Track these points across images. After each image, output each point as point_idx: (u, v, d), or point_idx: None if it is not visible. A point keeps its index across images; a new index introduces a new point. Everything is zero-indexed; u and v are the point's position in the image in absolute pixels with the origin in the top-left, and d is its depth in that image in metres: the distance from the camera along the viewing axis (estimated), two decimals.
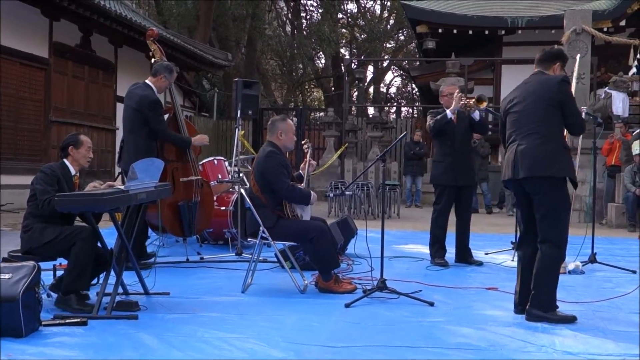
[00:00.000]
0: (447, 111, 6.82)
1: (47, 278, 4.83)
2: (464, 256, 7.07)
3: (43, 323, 4.10)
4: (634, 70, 13.91)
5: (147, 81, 6.49)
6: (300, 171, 5.94)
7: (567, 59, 4.83)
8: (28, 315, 3.90)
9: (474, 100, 6.88)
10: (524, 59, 16.99)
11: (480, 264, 7.03)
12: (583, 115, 5.25)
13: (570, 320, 4.44)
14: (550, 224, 4.52)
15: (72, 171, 5.00)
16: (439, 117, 6.87)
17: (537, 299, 4.50)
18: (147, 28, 9.98)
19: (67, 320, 4.21)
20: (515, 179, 4.63)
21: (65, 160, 5.01)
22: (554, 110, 4.57)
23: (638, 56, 13.60)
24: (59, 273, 4.90)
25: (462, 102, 6.82)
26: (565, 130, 4.80)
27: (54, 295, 4.75)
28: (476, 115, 6.96)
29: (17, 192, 11.33)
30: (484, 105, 6.85)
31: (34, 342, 3.80)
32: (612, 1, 17.42)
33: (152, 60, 6.95)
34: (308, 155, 6.08)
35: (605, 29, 16.29)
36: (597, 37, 13.81)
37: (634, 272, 6.53)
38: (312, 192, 5.63)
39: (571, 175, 4.60)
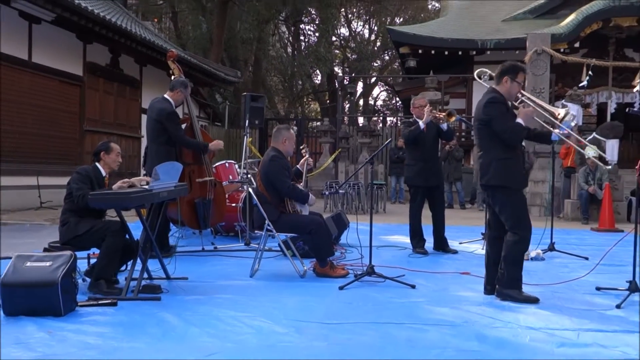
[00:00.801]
0: (420, 123, 6.84)
1: (82, 265, 4.83)
2: (441, 245, 7.08)
3: (79, 304, 4.11)
4: (584, 84, 13.96)
5: (165, 95, 6.48)
6: (298, 167, 5.95)
7: (517, 70, 4.66)
8: (66, 297, 3.91)
9: (444, 114, 6.93)
10: (492, 76, 17.03)
11: (455, 252, 7.04)
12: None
13: (534, 300, 4.45)
14: (506, 218, 4.56)
15: (103, 173, 5.00)
16: (413, 127, 6.89)
17: (503, 278, 4.53)
18: (167, 49, 9.99)
19: (100, 302, 4.22)
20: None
21: (97, 163, 5.02)
22: (485, 128, 4.60)
23: (590, 72, 13.65)
24: (92, 261, 4.90)
25: (432, 115, 6.87)
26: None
27: (88, 279, 4.75)
28: (444, 126, 7.00)
29: (56, 191, 11.30)
30: (453, 119, 6.90)
31: (71, 320, 3.82)
32: (568, 26, 17.47)
33: (172, 77, 6.95)
34: (306, 155, 6.10)
35: (562, 50, 16.35)
36: (555, 57, 13.87)
37: (587, 258, 6.55)
38: (310, 194, 5.64)
39: (500, 183, 4.52)
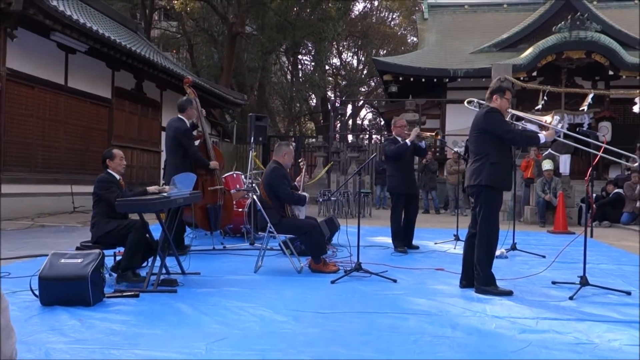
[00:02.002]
0: (407, 141, 6.86)
1: (109, 262, 4.79)
2: (408, 241, 7.10)
3: (106, 295, 4.08)
4: (539, 107, 14.02)
5: (179, 116, 6.45)
6: (296, 182, 5.94)
7: (504, 89, 4.63)
8: (95, 289, 3.89)
9: (433, 133, 7.03)
10: (462, 100, 17.13)
11: (417, 247, 7.09)
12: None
13: (508, 293, 4.42)
14: (481, 220, 4.52)
15: (117, 177, 4.97)
16: (400, 144, 6.90)
17: (479, 278, 4.50)
18: (184, 76, 10.00)
19: (124, 293, 4.19)
20: (466, 185, 4.71)
21: (108, 170, 5.00)
22: (482, 135, 4.54)
23: (545, 97, 13.70)
24: (118, 258, 4.87)
25: (417, 135, 6.90)
26: None
27: (114, 274, 4.72)
28: (422, 144, 7.05)
29: (88, 197, 11.19)
30: (439, 137, 7.02)
31: (99, 309, 3.79)
32: (527, 58, 17.58)
33: None
34: (303, 170, 6.10)
35: (521, 78, 16.41)
36: (516, 84, 13.92)
37: (544, 256, 6.54)
38: (306, 195, 5.63)
39: (489, 183, 4.45)
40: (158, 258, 4.63)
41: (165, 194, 4.61)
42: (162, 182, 13.27)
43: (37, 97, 11.05)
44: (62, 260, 3.95)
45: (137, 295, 4.16)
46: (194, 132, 6.69)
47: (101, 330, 3.31)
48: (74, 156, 12.25)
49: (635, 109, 11.14)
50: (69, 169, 11.97)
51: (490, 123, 4.48)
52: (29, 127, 10.83)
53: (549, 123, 4.68)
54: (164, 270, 4.68)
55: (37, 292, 3.89)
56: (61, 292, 3.82)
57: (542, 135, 4.50)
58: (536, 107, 14.22)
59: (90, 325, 3.41)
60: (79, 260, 3.94)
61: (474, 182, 4.55)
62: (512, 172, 4.68)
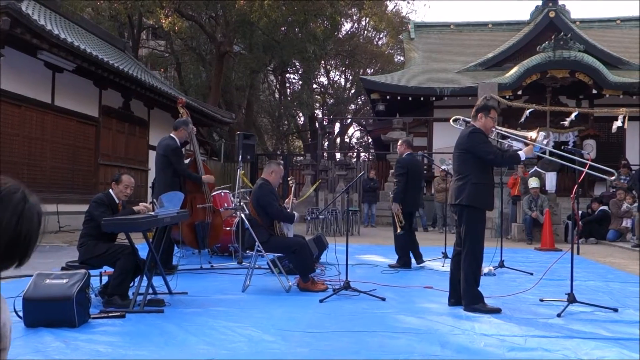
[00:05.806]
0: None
1: (95, 281, 4.74)
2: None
3: (92, 316, 4.02)
4: (521, 121, 14.20)
5: (171, 134, 6.47)
6: (285, 204, 5.93)
7: (489, 107, 4.68)
8: (80, 310, 3.83)
9: None
10: (449, 118, 17.25)
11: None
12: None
13: (497, 311, 4.42)
14: (465, 238, 4.54)
15: (116, 200, 4.92)
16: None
17: (464, 296, 4.50)
18: (172, 95, 10.04)
19: (110, 314, 4.14)
20: (449, 204, 4.73)
21: (110, 190, 4.95)
22: (465, 155, 4.58)
23: (527, 114, 13.87)
24: (104, 278, 4.81)
25: None
26: None
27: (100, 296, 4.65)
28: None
29: (74, 217, 11.18)
30: None
31: (84, 330, 3.73)
32: (512, 77, 17.81)
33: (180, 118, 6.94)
34: (292, 190, 6.11)
35: (507, 97, 16.62)
36: (501, 102, 14.11)
37: (531, 274, 6.57)
38: (295, 213, 5.63)
39: (470, 203, 4.48)
40: (145, 277, 4.58)
41: (152, 213, 4.58)
42: (149, 200, 13.19)
43: (23, 115, 10.98)
44: (47, 281, 3.90)
45: (123, 316, 4.10)
46: (183, 149, 6.70)
47: (86, 352, 3.26)
48: (60, 175, 12.16)
49: (614, 127, 11.29)
50: (55, 188, 11.86)
51: (473, 144, 4.52)
52: (15, 146, 10.75)
53: (534, 139, 4.72)
54: (150, 290, 4.63)
55: (21, 314, 3.82)
56: (46, 313, 3.76)
57: (522, 153, 4.57)
58: (519, 122, 14.45)
59: (75, 347, 3.35)
60: (64, 281, 3.90)
61: (455, 201, 4.59)
62: (493, 191, 4.70)
